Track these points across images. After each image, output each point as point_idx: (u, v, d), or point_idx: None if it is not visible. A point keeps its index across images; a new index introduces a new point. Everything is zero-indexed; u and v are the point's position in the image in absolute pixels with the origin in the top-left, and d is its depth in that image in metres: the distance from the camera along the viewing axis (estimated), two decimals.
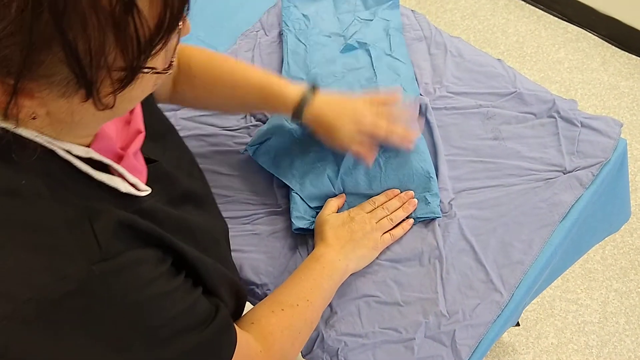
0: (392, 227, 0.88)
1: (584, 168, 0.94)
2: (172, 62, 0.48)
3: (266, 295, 0.85)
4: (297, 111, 0.86)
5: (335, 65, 1.04)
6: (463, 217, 0.90)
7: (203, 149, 1.00)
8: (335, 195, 0.91)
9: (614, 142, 0.96)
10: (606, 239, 1.56)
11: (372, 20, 1.12)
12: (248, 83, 0.87)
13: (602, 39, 2.28)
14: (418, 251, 0.88)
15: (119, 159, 0.55)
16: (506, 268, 0.86)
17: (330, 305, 0.84)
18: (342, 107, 0.87)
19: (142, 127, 0.60)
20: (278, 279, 0.86)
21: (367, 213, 0.88)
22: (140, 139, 0.58)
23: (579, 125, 0.98)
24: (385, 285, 0.85)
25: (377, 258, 0.87)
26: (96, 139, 0.53)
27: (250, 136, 1.01)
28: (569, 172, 0.94)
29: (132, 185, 0.54)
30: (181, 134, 1.01)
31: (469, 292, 0.84)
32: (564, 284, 1.75)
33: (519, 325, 1.57)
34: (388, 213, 0.88)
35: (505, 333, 1.65)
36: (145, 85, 0.48)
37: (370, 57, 1.05)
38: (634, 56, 2.23)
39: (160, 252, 0.54)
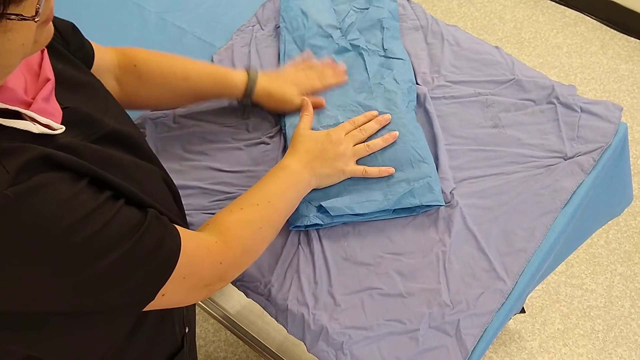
0: (367, 154, 0.91)
1: (584, 153, 0.94)
2: (38, 7, 0.48)
3: (270, 291, 0.85)
4: (248, 92, 0.97)
5: None
6: (465, 207, 0.90)
7: (202, 146, 1.00)
8: (336, 196, 0.90)
9: (615, 127, 0.96)
10: (609, 223, 1.56)
11: (368, 9, 1.12)
12: (199, 72, 0.95)
13: (600, 22, 2.27)
14: (420, 242, 0.88)
15: (28, 106, 0.56)
16: (509, 256, 0.86)
17: (333, 298, 0.84)
18: (280, 79, 1.00)
19: (50, 75, 0.61)
20: (281, 275, 0.86)
21: (346, 135, 0.91)
22: (49, 86, 0.59)
23: (579, 111, 0.98)
24: (388, 277, 0.85)
25: (379, 251, 0.87)
26: (0, 91, 0.54)
27: (249, 132, 1.01)
28: (570, 158, 0.94)
29: (45, 126, 0.55)
30: (180, 131, 1.01)
31: (472, 281, 0.84)
32: (568, 269, 1.75)
33: (525, 312, 1.58)
34: (365, 136, 0.92)
35: (511, 320, 1.65)
36: (22, 36, 0.49)
37: (364, 60, 1.05)
38: (632, 39, 2.22)
39: (75, 174, 0.54)
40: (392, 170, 0.90)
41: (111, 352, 0.66)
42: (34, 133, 0.53)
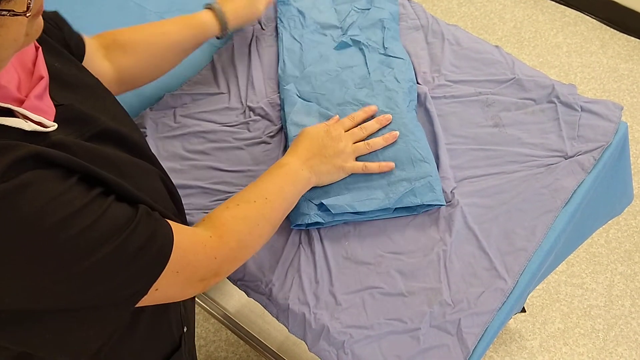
0: (367, 152, 0.91)
1: (585, 152, 0.94)
2: (29, 2, 0.48)
3: (271, 290, 0.85)
4: (223, 26, 1.01)
5: (330, 63, 1.05)
6: (465, 206, 0.90)
7: (202, 145, 1.00)
8: (337, 195, 0.90)
9: (615, 126, 0.96)
10: (610, 222, 1.56)
11: (369, 9, 1.12)
12: (173, 25, 0.97)
13: (600, 21, 2.27)
14: (421, 241, 0.88)
15: (20, 103, 0.55)
16: (510, 255, 0.86)
17: (334, 297, 0.84)
18: None
19: (44, 73, 0.61)
20: (282, 274, 0.86)
21: (346, 132, 0.91)
22: (42, 83, 0.59)
23: (579, 110, 0.98)
24: (389, 277, 0.85)
25: (380, 250, 0.87)
26: None
27: (250, 131, 1.01)
28: (571, 157, 0.94)
29: (38, 123, 0.55)
30: (180, 131, 1.01)
31: (473, 280, 0.84)
32: (568, 268, 1.75)
33: (525, 311, 1.58)
34: (365, 134, 0.92)
35: (512, 319, 1.65)
36: (13, 31, 0.49)
37: (364, 55, 1.05)
38: (632, 38, 2.22)
39: (66, 171, 0.54)
40: (392, 165, 0.90)
41: (105, 349, 0.66)
42: (26, 130, 0.53)
